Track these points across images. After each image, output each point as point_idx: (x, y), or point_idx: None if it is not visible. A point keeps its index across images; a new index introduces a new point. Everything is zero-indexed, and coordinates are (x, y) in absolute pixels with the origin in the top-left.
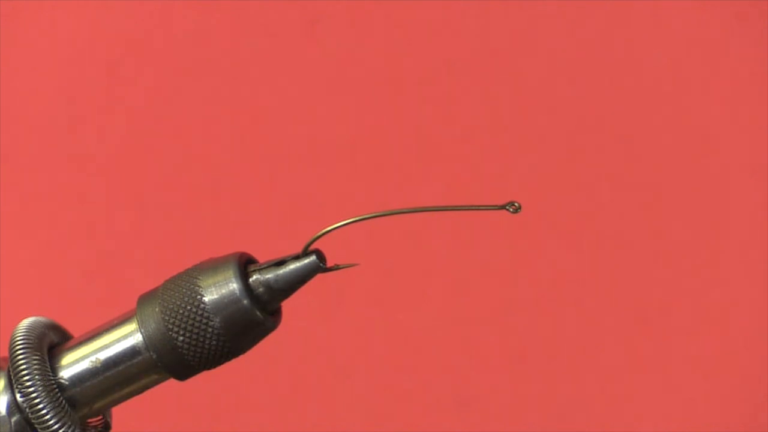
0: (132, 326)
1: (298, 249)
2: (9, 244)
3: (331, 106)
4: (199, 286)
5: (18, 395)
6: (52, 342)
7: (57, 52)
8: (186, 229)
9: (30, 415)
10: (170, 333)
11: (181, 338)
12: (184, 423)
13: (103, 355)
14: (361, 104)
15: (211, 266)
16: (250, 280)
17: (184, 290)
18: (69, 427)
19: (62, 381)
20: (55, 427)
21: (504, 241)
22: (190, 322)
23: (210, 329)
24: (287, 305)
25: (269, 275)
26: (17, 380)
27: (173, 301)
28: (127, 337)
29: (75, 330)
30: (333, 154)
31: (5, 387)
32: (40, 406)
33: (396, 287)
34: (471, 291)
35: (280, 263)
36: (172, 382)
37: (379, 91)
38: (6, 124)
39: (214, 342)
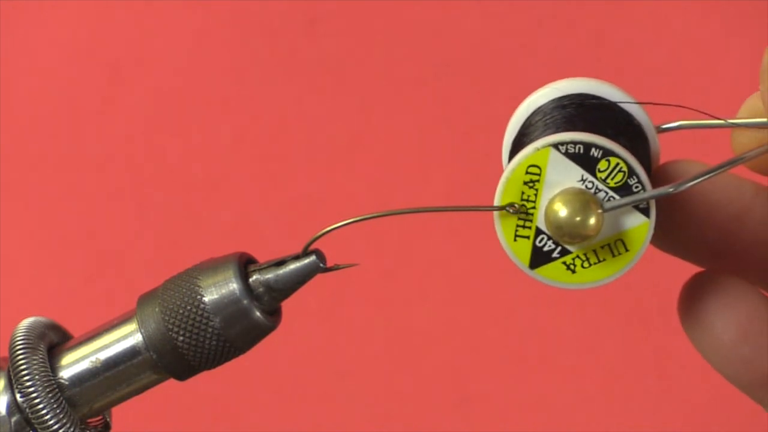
0: (132, 326)
1: (298, 249)
2: (9, 244)
3: (331, 106)
4: (199, 286)
5: (18, 395)
6: (52, 342)
7: (58, 52)
8: (186, 229)
9: (30, 415)
10: (170, 333)
11: (181, 338)
12: (184, 423)
13: (103, 355)
14: (361, 104)
15: (211, 266)
16: (250, 280)
17: (184, 290)
18: (69, 427)
19: (62, 381)
20: (55, 427)
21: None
22: (190, 322)
23: (210, 329)
24: (287, 305)
25: (269, 275)
26: (17, 380)
27: (173, 301)
28: (127, 337)
29: (75, 330)
30: (333, 154)
31: (5, 387)
32: (40, 406)
33: (396, 287)
34: (471, 291)
35: (280, 263)
36: (172, 382)
37: (379, 91)
38: (6, 124)
39: (214, 342)
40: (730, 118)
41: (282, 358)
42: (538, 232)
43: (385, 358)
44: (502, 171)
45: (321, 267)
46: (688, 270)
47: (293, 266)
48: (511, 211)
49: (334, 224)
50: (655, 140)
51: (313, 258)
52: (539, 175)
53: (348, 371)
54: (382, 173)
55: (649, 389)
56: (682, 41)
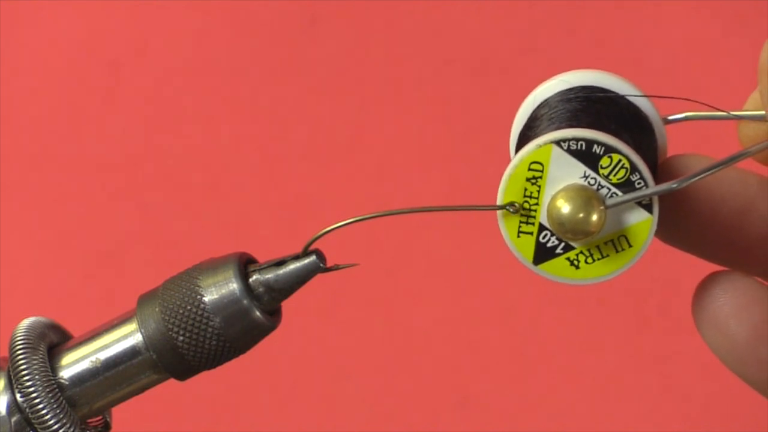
0: (132, 326)
1: (298, 249)
2: (9, 244)
3: (331, 106)
4: (199, 286)
5: (18, 395)
6: (52, 342)
7: (57, 52)
8: (186, 229)
9: (30, 415)
10: (170, 333)
11: (181, 338)
12: (184, 423)
13: (103, 355)
14: (361, 104)
15: (211, 266)
16: (250, 280)
17: (184, 290)
18: (69, 427)
19: (62, 381)
20: (55, 427)
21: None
22: (190, 322)
23: (210, 329)
24: (287, 305)
25: (269, 275)
26: (17, 380)
27: (173, 301)
28: (127, 337)
29: (75, 330)
30: (333, 154)
31: (5, 387)
32: (40, 406)
33: (396, 287)
34: (471, 291)
35: (280, 263)
36: (172, 382)
37: (379, 91)
38: (6, 124)
39: (214, 342)
40: (735, 111)
41: (282, 358)
42: (542, 228)
43: (385, 358)
44: (503, 169)
45: (321, 267)
46: (688, 271)
47: (293, 266)
48: (511, 210)
49: (334, 224)
50: (663, 132)
51: (313, 258)
52: (542, 171)
53: (348, 371)
54: (382, 173)
55: (649, 389)
56: (683, 41)
